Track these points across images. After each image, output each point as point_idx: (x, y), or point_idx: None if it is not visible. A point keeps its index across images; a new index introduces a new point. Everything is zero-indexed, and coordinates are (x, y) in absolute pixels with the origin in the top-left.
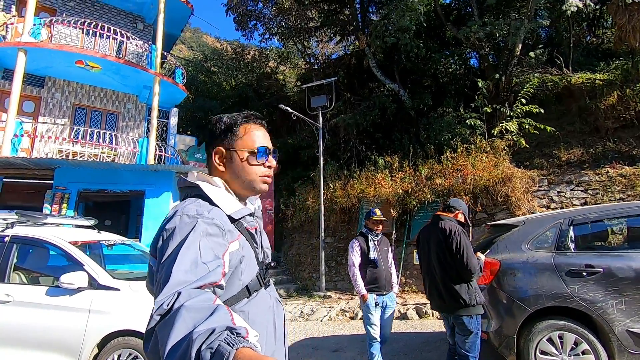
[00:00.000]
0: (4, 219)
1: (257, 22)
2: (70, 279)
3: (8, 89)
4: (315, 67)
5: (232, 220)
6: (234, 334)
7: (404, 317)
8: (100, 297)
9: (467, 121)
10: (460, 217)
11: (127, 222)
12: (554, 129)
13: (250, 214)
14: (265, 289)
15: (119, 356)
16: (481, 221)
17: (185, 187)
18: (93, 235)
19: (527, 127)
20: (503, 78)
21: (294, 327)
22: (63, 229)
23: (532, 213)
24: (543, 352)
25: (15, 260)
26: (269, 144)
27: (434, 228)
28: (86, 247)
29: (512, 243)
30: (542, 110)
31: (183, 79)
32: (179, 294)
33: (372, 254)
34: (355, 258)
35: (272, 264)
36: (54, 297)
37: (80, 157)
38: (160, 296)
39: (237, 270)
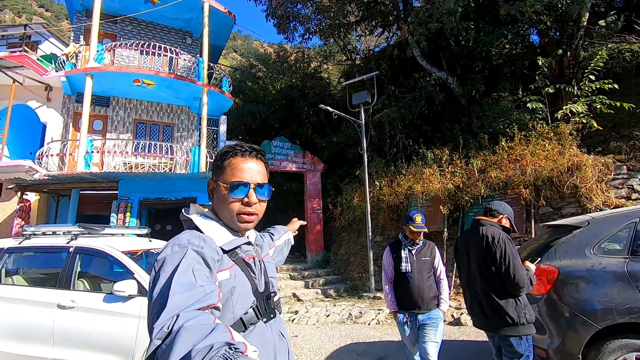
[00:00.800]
0: (69, 232)
1: (297, 22)
2: (122, 287)
3: (81, 110)
4: (357, 62)
5: (225, 251)
6: (232, 349)
7: (457, 322)
8: None
9: (527, 105)
10: (505, 222)
11: None
12: (633, 106)
13: (248, 243)
14: (266, 322)
15: None
16: (546, 216)
17: (184, 220)
18: (145, 244)
19: (598, 106)
20: (568, 53)
21: (341, 330)
22: (120, 239)
23: (606, 205)
24: None
25: (79, 269)
26: (253, 178)
27: (474, 234)
28: (143, 255)
29: (573, 247)
30: (616, 86)
31: (229, 87)
32: (178, 316)
33: (404, 266)
34: (387, 270)
35: (274, 294)
36: (109, 304)
37: (142, 168)
38: (158, 321)
39: (228, 302)
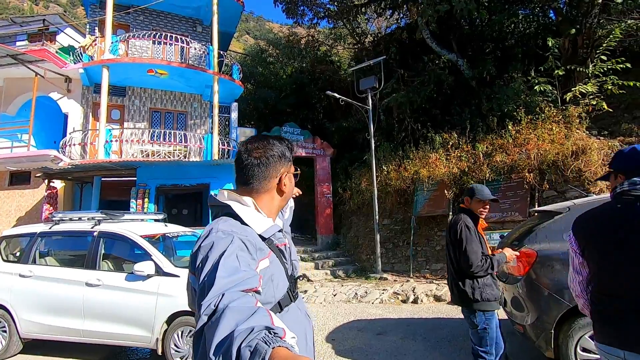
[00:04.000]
0: (93, 217)
1: (305, 7)
2: (142, 267)
3: (99, 100)
4: (366, 45)
5: (263, 238)
6: (271, 334)
7: None
8: (165, 282)
9: (535, 87)
10: (466, 204)
11: (201, 210)
12: None
13: (280, 230)
14: (294, 302)
15: (182, 332)
16: (550, 200)
17: (215, 205)
18: (161, 229)
19: (609, 87)
20: (583, 32)
21: (345, 309)
22: (139, 224)
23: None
24: (585, 350)
25: (103, 251)
26: None
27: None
28: (160, 238)
29: (553, 232)
30: (629, 65)
31: (240, 74)
32: (223, 295)
33: None
34: (578, 275)
35: (301, 277)
36: (131, 282)
37: (158, 155)
38: (207, 298)
39: (269, 287)
